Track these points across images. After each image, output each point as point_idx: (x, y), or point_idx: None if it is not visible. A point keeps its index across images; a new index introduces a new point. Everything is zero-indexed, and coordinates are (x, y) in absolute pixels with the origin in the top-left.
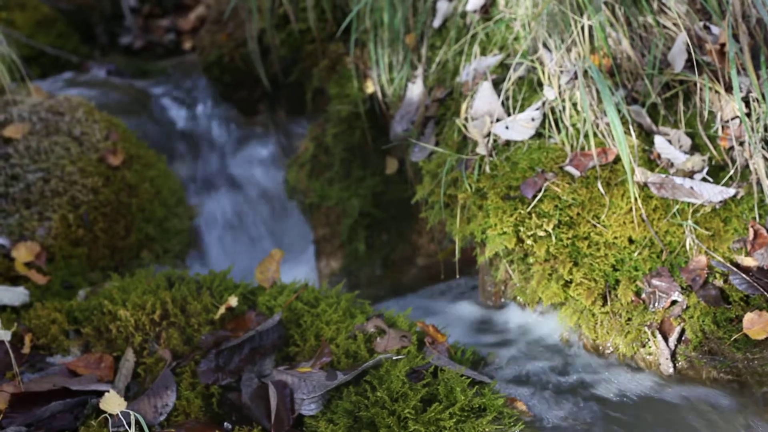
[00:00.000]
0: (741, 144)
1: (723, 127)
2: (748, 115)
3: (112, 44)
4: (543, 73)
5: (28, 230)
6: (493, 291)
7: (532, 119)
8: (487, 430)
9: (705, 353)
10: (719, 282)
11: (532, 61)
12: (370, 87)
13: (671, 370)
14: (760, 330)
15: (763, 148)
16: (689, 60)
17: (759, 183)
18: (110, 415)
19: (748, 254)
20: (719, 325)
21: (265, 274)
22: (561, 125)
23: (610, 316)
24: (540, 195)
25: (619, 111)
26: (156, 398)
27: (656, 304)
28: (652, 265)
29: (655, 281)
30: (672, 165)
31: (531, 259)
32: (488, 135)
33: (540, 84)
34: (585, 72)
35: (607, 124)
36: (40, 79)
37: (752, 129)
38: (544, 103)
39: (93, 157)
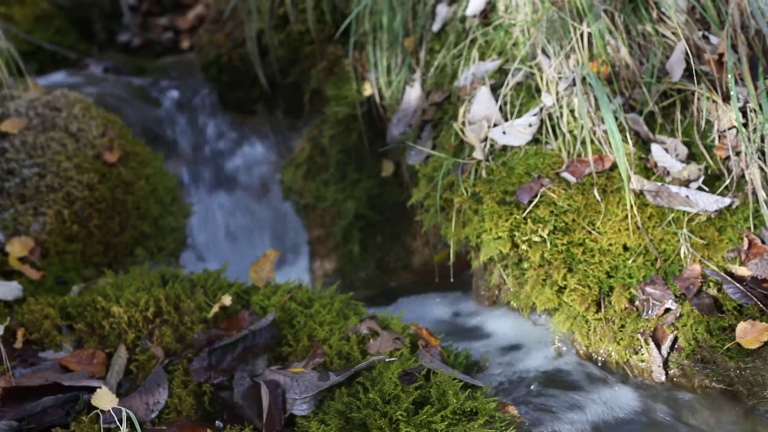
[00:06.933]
0: (737, 154)
1: (720, 136)
2: (745, 125)
3: (110, 42)
4: (541, 79)
5: (22, 225)
6: (486, 295)
7: (530, 125)
8: None
9: (697, 361)
10: (713, 291)
11: (531, 67)
12: (368, 89)
13: (663, 377)
14: (753, 339)
15: (759, 158)
16: (687, 69)
17: (754, 193)
18: (101, 411)
19: (742, 264)
20: (712, 333)
21: (259, 273)
22: (558, 131)
23: (604, 323)
24: (536, 200)
25: (616, 118)
26: (148, 395)
27: (650, 312)
28: (647, 272)
29: (649, 289)
30: (668, 173)
31: (525, 264)
32: (485, 140)
33: (538, 90)
34: (583, 79)
35: (605, 132)
36: (38, 75)
37: (749, 139)
38: (541, 109)
39: (89, 154)
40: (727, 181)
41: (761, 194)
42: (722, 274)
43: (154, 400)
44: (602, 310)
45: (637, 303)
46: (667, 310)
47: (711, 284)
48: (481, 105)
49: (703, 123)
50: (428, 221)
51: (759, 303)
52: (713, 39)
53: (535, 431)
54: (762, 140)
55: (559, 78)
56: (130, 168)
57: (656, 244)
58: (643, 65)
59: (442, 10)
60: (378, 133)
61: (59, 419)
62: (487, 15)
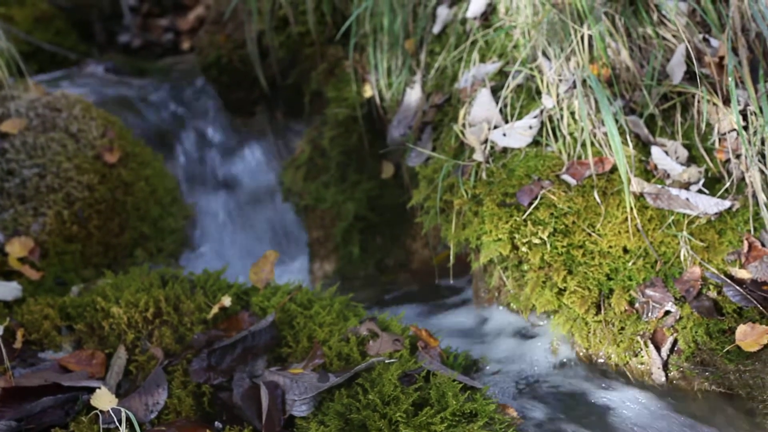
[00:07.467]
0: (738, 157)
1: (720, 139)
2: (746, 128)
3: (111, 42)
4: (542, 81)
5: (22, 225)
6: (486, 297)
7: (530, 127)
8: None
9: (697, 364)
10: (713, 293)
11: (531, 69)
12: (368, 91)
13: (663, 380)
14: (752, 342)
15: (759, 161)
16: (688, 72)
17: (754, 196)
18: (101, 411)
19: (742, 266)
20: (712, 336)
21: (259, 274)
22: (558, 134)
23: (603, 325)
24: (536, 203)
25: (616, 121)
26: (147, 396)
27: (649, 314)
28: (647, 275)
29: (648, 291)
30: (668, 176)
31: (525, 267)
32: (485, 142)
33: (538, 92)
34: (584, 81)
35: (605, 134)
36: (38, 76)
37: (749, 142)
38: (542, 111)
39: (89, 154)
40: (728, 184)
41: (761, 197)
42: (722, 276)
43: (154, 400)
44: (602, 312)
45: (636, 305)
46: (667, 312)
47: (711, 287)
48: (482, 107)
49: (703, 126)
50: (428, 223)
51: (759, 306)
52: (714, 42)
53: None
54: (762, 143)
55: (560, 80)
56: (130, 169)
57: (656, 247)
58: (643, 68)
59: (443, 12)
60: (378, 135)
61: (58, 419)
62: (487, 17)
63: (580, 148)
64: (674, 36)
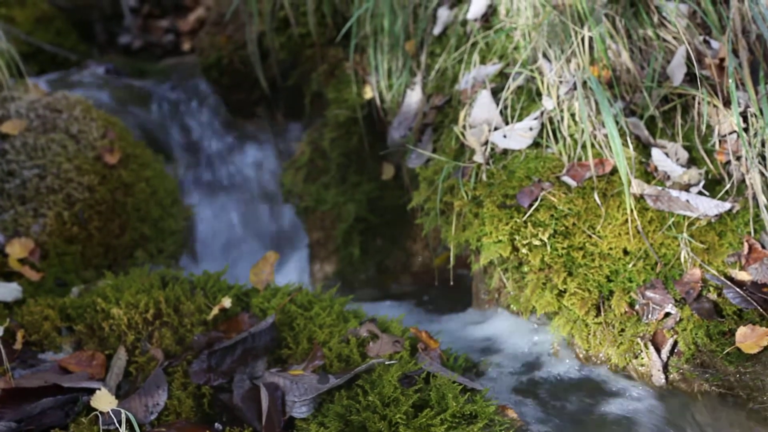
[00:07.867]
0: (738, 159)
1: (720, 141)
2: (746, 130)
3: (111, 43)
4: (542, 83)
5: (22, 226)
6: (486, 299)
7: (530, 129)
8: None
9: (697, 366)
10: (713, 295)
11: (532, 70)
12: (369, 93)
13: (663, 381)
14: (752, 344)
15: (759, 163)
16: (688, 74)
17: (755, 198)
18: (101, 412)
19: (742, 268)
20: (712, 338)
21: (259, 276)
22: (559, 135)
23: (604, 327)
24: (536, 204)
25: (617, 123)
26: (147, 397)
27: (650, 316)
28: (647, 276)
29: (649, 293)
30: (668, 178)
31: (525, 268)
32: (486, 143)
33: (539, 94)
34: (584, 83)
35: (605, 136)
36: (38, 76)
37: (749, 144)
38: (542, 113)
39: (89, 155)
40: (728, 186)
41: (761, 199)
42: (722, 278)
43: (154, 401)
44: (602, 314)
45: (637, 307)
46: (667, 314)
47: (711, 289)
48: (482, 108)
49: (703, 127)
50: (428, 224)
51: (759, 308)
52: (714, 43)
53: None
54: (762, 145)
55: (560, 82)
56: (131, 170)
57: (656, 249)
58: (644, 69)
59: (443, 14)
60: (378, 137)
61: (58, 421)
62: (488, 18)
63: (581, 150)
64: (675, 38)
